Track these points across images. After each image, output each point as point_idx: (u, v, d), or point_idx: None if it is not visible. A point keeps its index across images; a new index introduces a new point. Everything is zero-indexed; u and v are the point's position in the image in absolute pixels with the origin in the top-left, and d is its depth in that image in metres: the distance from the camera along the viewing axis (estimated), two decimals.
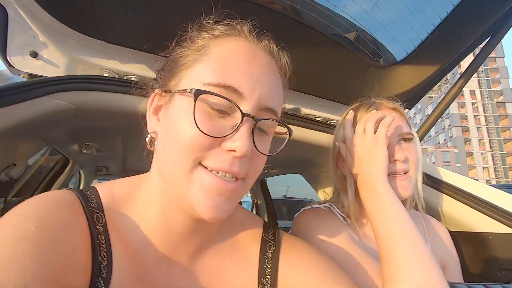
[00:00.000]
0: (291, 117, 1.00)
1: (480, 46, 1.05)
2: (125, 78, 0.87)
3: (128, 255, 0.44)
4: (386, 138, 0.68)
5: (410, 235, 0.56)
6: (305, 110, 1.17)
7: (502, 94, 50.92)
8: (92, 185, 0.51)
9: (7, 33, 0.77)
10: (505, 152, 50.12)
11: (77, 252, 0.38)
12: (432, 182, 0.95)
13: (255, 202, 2.83)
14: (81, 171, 2.40)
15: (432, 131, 55.55)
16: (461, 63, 1.20)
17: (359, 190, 0.70)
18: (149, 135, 0.48)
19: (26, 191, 1.77)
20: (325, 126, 1.05)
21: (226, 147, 0.40)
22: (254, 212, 2.77)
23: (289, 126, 0.47)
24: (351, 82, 1.11)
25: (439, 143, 55.27)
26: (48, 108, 0.69)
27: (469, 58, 1.11)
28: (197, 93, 0.39)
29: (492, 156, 50.68)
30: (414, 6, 0.88)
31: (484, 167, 50.75)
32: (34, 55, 0.81)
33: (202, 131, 0.38)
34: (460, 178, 0.95)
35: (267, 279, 0.50)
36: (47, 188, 1.88)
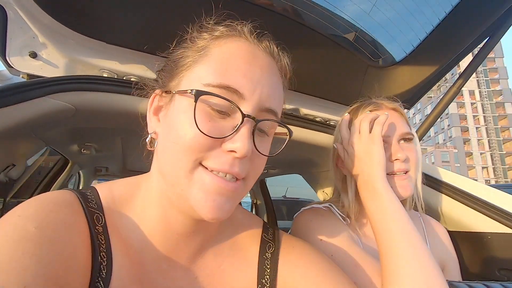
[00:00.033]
0: (291, 118, 1.01)
1: (478, 46, 1.05)
2: (124, 78, 0.87)
3: (128, 255, 0.44)
4: (381, 137, 0.69)
5: (409, 235, 0.56)
6: (305, 111, 1.17)
7: (501, 94, 51.03)
8: (92, 185, 0.51)
9: (7, 33, 0.77)
10: (504, 152, 50.22)
11: (77, 253, 0.38)
12: (432, 182, 0.96)
13: (254, 202, 2.83)
14: (81, 172, 2.39)
15: (432, 131, 55.65)
16: (460, 63, 1.21)
17: (359, 190, 0.70)
18: (149, 136, 0.48)
19: (26, 191, 1.76)
20: (324, 126, 1.05)
21: (226, 148, 0.40)
22: (253, 212, 2.77)
23: (289, 126, 0.47)
24: (350, 82, 1.12)
25: (438, 143, 55.37)
26: (47, 108, 0.69)
27: (468, 59, 1.11)
28: (198, 94, 0.39)
29: (491, 156, 50.78)
30: (413, 7, 0.88)
31: (483, 167, 50.84)
32: (34, 55, 0.81)
33: (202, 132, 0.39)
34: (459, 178, 0.95)
35: (266, 279, 0.50)
36: (47, 188, 1.87)
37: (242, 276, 0.51)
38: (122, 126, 0.95)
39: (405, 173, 0.73)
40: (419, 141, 0.92)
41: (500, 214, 0.82)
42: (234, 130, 0.40)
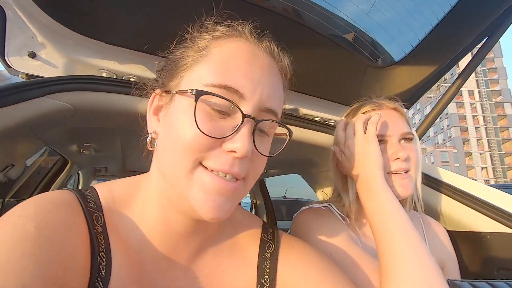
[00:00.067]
0: (290, 117, 1.01)
1: (477, 46, 1.06)
2: (123, 78, 0.87)
3: (127, 255, 0.44)
4: (376, 136, 0.70)
5: (409, 235, 0.56)
6: (304, 111, 1.17)
7: (501, 95, 51.15)
8: (91, 185, 0.51)
9: (6, 33, 0.77)
10: (504, 152, 50.32)
11: (76, 253, 0.38)
12: (431, 182, 0.96)
13: (254, 202, 2.83)
14: (80, 172, 2.39)
15: (431, 131, 55.77)
16: (460, 63, 1.21)
17: (358, 190, 0.70)
18: (149, 135, 0.48)
19: (25, 192, 1.76)
20: (323, 126, 1.05)
21: (226, 148, 0.40)
22: (253, 212, 2.77)
23: (289, 126, 0.47)
24: (350, 82, 1.12)
25: (438, 143, 55.46)
26: (46, 108, 0.69)
27: (467, 58, 1.11)
28: (198, 94, 0.39)
29: (491, 156, 50.87)
30: (412, 7, 0.88)
31: (482, 167, 50.94)
32: (32, 55, 0.80)
33: (202, 132, 0.38)
34: (459, 178, 0.95)
35: (265, 279, 0.50)
36: (46, 189, 1.87)
37: (241, 276, 0.51)
38: (121, 126, 0.95)
39: (406, 173, 0.73)
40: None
41: (500, 214, 0.82)
42: (234, 130, 0.40)
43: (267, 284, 0.50)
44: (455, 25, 0.92)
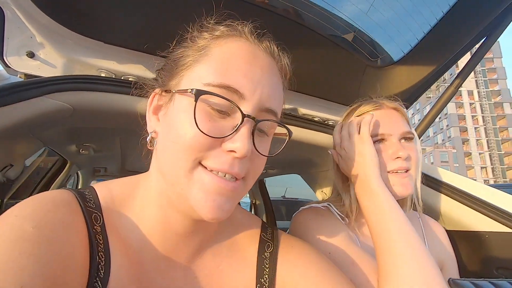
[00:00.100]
0: (290, 117, 1.01)
1: (476, 46, 1.06)
2: (122, 78, 0.87)
3: (126, 255, 0.44)
4: (370, 136, 0.71)
5: (407, 234, 0.56)
6: (303, 110, 1.17)
7: (500, 95, 51.26)
8: (90, 185, 0.51)
9: (4, 33, 0.77)
10: (503, 152, 50.43)
11: (75, 252, 0.38)
12: (431, 182, 0.96)
13: (253, 202, 2.83)
14: (79, 172, 2.38)
15: (430, 131, 55.87)
16: (458, 63, 1.21)
17: (356, 190, 0.70)
18: (149, 135, 0.48)
19: (24, 192, 1.76)
20: (323, 126, 1.05)
21: (226, 148, 0.40)
22: (252, 212, 2.77)
23: (288, 126, 0.47)
24: (349, 82, 1.12)
25: (437, 143, 55.55)
26: (45, 108, 0.69)
27: (466, 58, 1.12)
28: (198, 94, 0.39)
29: (490, 156, 50.97)
30: (411, 7, 0.88)
31: (482, 167, 51.03)
32: (31, 55, 0.80)
33: (202, 132, 0.38)
34: (458, 178, 0.96)
35: (265, 278, 0.50)
36: (45, 189, 1.87)
37: (240, 276, 0.51)
38: (120, 126, 0.95)
39: (406, 172, 0.73)
40: None
41: (499, 213, 0.83)
42: (234, 130, 0.40)
43: (266, 283, 0.50)
44: (454, 25, 0.92)
